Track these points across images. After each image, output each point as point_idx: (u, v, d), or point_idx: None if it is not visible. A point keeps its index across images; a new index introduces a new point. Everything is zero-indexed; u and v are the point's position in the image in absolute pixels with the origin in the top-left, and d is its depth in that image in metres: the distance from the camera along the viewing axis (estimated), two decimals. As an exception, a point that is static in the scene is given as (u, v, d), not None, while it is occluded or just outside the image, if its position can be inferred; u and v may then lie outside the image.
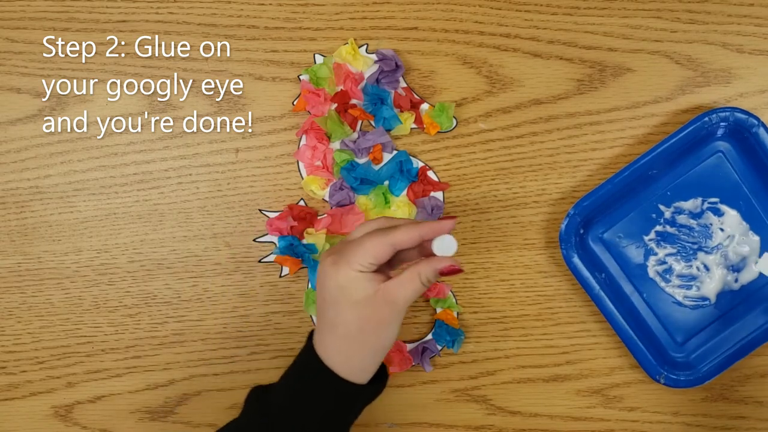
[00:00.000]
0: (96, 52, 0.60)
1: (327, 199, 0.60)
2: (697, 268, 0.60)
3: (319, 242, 0.60)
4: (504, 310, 0.62)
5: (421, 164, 0.60)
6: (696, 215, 0.60)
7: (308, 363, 0.50)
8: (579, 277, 0.59)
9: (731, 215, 0.60)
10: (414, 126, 0.60)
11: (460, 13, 0.60)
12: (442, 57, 0.60)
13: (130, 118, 0.61)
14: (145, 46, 0.60)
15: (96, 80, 0.60)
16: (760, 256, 0.59)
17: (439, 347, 0.61)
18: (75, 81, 0.60)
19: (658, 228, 0.60)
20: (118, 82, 0.60)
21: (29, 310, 0.62)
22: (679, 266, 0.60)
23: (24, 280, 0.62)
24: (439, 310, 0.61)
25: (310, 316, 0.61)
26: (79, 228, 0.61)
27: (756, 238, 0.60)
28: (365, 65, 0.59)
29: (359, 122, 0.60)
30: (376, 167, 0.60)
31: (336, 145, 0.60)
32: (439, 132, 0.60)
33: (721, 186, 0.60)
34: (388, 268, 0.51)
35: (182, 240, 0.61)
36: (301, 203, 0.61)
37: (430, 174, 0.60)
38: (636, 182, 0.59)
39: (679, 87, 0.60)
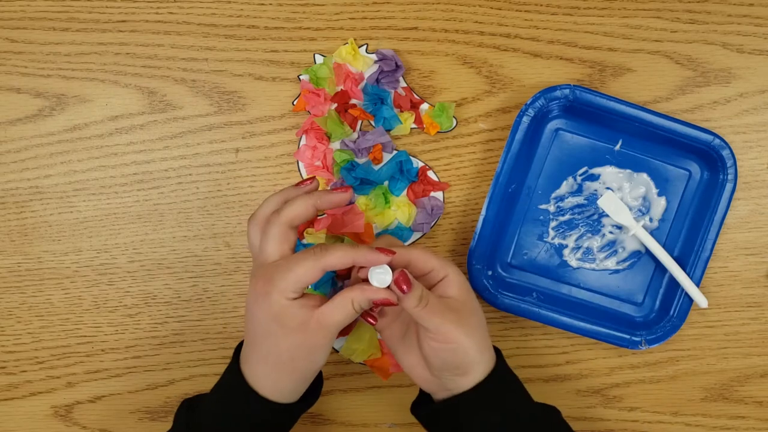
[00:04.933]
0: (96, 52, 0.60)
1: (327, 199, 0.60)
2: (611, 233, 0.60)
3: (319, 242, 0.60)
4: (504, 310, 0.62)
5: (421, 164, 0.60)
6: (577, 192, 0.60)
7: (236, 385, 0.49)
8: (517, 312, 0.59)
9: (607, 172, 0.60)
10: (414, 126, 0.60)
11: (460, 13, 0.60)
12: (442, 57, 0.60)
13: (130, 118, 0.61)
14: (145, 46, 0.60)
15: (96, 80, 0.60)
16: (656, 187, 0.59)
17: (439, 347, 0.61)
18: (75, 81, 0.60)
19: (553, 224, 0.60)
20: (118, 82, 0.60)
21: (29, 310, 0.62)
22: (594, 242, 0.60)
23: (24, 280, 0.62)
24: (439, 310, 0.61)
25: (310, 316, 0.61)
26: (79, 228, 0.61)
27: (643, 175, 0.60)
28: (365, 65, 0.59)
29: (359, 122, 0.60)
30: (376, 167, 0.60)
31: (336, 145, 0.60)
32: (439, 132, 0.60)
33: (579, 155, 0.60)
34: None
35: (182, 240, 0.61)
36: (301, 203, 0.61)
37: (430, 174, 0.60)
38: (505, 204, 0.59)
39: (679, 87, 0.60)
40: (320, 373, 0.53)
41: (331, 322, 0.47)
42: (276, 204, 0.51)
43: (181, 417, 0.51)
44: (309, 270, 0.46)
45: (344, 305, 0.47)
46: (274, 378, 0.48)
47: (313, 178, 0.52)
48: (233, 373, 0.50)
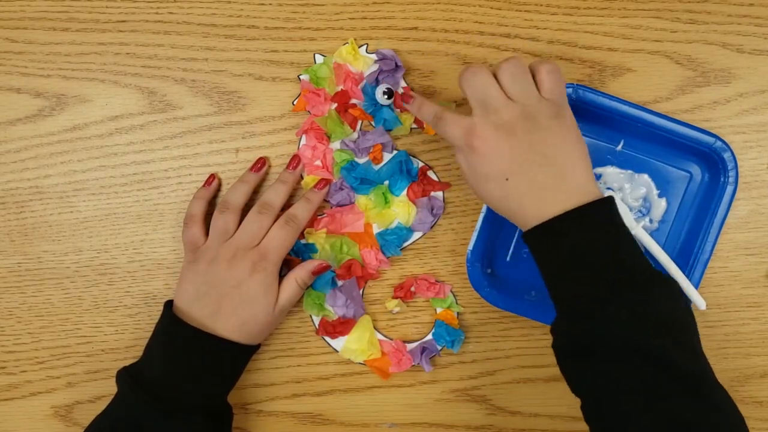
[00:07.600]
0: (96, 52, 0.60)
1: (327, 199, 0.60)
2: None
3: (319, 242, 0.60)
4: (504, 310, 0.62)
5: (421, 164, 0.60)
6: None
7: (190, 335, 0.54)
8: (517, 312, 0.59)
9: (608, 172, 0.60)
10: (414, 126, 0.60)
11: (460, 13, 0.60)
12: (442, 57, 0.60)
13: (130, 118, 0.61)
14: (145, 46, 0.60)
15: (96, 80, 0.60)
16: (657, 188, 0.60)
17: (439, 347, 0.61)
18: (75, 81, 0.60)
19: None
20: (118, 82, 0.60)
21: (29, 310, 0.62)
22: None
23: (24, 280, 0.62)
24: (439, 310, 0.61)
25: (310, 316, 0.61)
26: (79, 228, 0.61)
27: (644, 176, 0.60)
28: (365, 65, 0.59)
29: (359, 122, 0.60)
30: (376, 167, 0.60)
31: (336, 145, 0.60)
32: (439, 132, 0.60)
33: None
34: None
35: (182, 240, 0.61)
36: (301, 203, 0.61)
37: (430, 174, 0.60)
38: None
39: (679, 87, 0.60)
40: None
41: (285, 304, 0.57)
42: (243, 193, 0.58)
43: (129, 382, 0.54)
44: (292, 237, 0.57)
45: (290, 285, 0.57)
46: (236, 337, 0.55)
47: (263, 159, 0.60)
48: (174, 325, 0.55)
